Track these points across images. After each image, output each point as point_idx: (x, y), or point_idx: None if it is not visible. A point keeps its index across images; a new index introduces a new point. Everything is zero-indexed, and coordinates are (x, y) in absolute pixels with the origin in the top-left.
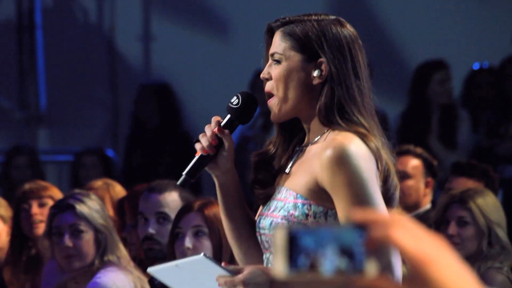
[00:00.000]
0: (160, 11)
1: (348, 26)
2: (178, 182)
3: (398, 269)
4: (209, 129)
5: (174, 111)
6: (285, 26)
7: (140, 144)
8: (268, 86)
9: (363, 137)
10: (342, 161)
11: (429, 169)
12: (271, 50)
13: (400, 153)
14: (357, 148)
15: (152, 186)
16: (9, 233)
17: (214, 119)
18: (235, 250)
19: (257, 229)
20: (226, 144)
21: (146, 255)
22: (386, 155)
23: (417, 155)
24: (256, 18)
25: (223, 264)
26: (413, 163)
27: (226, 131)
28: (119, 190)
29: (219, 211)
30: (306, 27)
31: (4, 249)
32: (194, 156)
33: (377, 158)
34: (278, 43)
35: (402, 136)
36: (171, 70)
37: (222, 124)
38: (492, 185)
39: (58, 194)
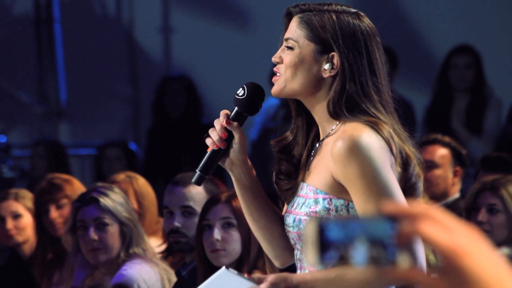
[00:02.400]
0: (180, 2)
1: (367, 21)
2: (193, 180)
3: (422, 257)
4: (218, 123)
5: (195, 103)
6: (303, 13)
7: (162, 137)
8: (277, 68)
9: (373, 126)
10: (352, 153)
11: (457, 158)
12: (286, 35)
13: (427, 142)
14: (367, 138)
15: (176, 180)
16: (34, 229)
17: (222, 112)
18: (262, 243)
19: (285, 227)
20: (236, 136)
21: (172, 248)
22: (404, 144)
23: (445, 144)
24: (275, 8)
25: (245, 275)
26: (441, 152)
27: (235, 123)
28: (142, 183)
29: None
30: (324, 18)
31: (33, 242)
32: (206, 152)
33: (391, 144)
34: (294, 30)
35: (428, 123)
36: (192, 62)
37: (230, 116)
38: None
39: (75, 190)
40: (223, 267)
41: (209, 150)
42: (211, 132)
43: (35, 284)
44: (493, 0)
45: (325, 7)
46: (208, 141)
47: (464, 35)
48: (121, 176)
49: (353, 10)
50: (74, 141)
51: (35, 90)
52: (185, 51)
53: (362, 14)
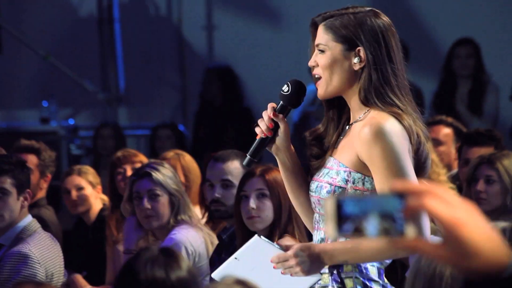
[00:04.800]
0: (222, 3)
1: (382, 15)
2: (244, 163)
3: (427, 229)
4: (266, 115)
5: (235, 90)
6: (326, 20)
7: (206, 119)
8: (316, 71)
9: (397, 116)
10: (378, 138)
11: (459, 136)
12: (316, 42)
13: (433, 123)
14: (391, 126)
15: (216, 156)
16: (108, 193)
17: (270, 105)
18: (302, 216)
19: (309, 192)
20: (281, 126)
21: (213, 216)
22: (419, 128)
23: (448, 124)
24: (303, 9)
25: (275, 243)
26: (445, 131)
27: (280, 115)
28: (188, 159)
29: (278, 175)
30: (344, 20)
31: (95, 210)
32: (255, 138)
33: (410, 134)
34: (322, 36)
35: (435, 106)
36: (232, 54)
37: (276, 109)
38: (501, 145)
39: (145, 159)
40: (256, 235)
41: (258, 138)
42: (260, 122)
43: (97, 246)
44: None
45: (343, 11)
46: (257, 129)
47: (465, 29)
48: (170, 153)
49: (368, 9)
50: (131, 123)
51: (98, 80)
52: (226, 46)
53: (376, 10)
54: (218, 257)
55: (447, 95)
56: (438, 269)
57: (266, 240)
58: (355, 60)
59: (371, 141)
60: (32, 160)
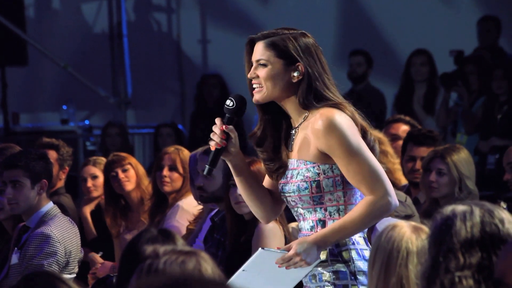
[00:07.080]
0: (214, 21)
1: (311, 36)
2: (205, 172)
3: None
4: (217, 128)
5: (225, 95)
6: (266, 38)
7: (201, 119)
8: (256, 81)
9: (339, 107)
10: (331, 128)
11: None
12: (256, 57)
13: (393, 121)
14: (339, 116)
15: (206, 150)
16: (104, 192)
17: (217, 120)
18: (253, 209)
19: (283, 194)
20: (232, 135)
21: (200, 200)
22: (360, 119)
23: (406, 122)
24: (284, 25)
25: (277, 248)
26: (403, 128)
27: (230, 126)
28: (186, 153)
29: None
30: (285, 40)
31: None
32: (212, 151)
33: (354, 119)
34: (263, 52)
35: (396, 107)
36: (223, 64)
37: (224, 122)
38: (438, 143)
39: (134, 160)
40: (260, 248)
41: (213, 149)
42: (212, 136)
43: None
44: (439, 16)
45: (280, 31)
46: (211, 143)
47: (421, 41)
48: (171, 149)
49: (300, 31)
50: (138, 123)
51: (109, 87)
52: (217, 56)
53: (306, 32)
54: (211, 236)
55: (406, 97)
56: (396, 244)
57: (269, 249)
58: (295, 73)
59: (326, 132)
60: (52, 155)
